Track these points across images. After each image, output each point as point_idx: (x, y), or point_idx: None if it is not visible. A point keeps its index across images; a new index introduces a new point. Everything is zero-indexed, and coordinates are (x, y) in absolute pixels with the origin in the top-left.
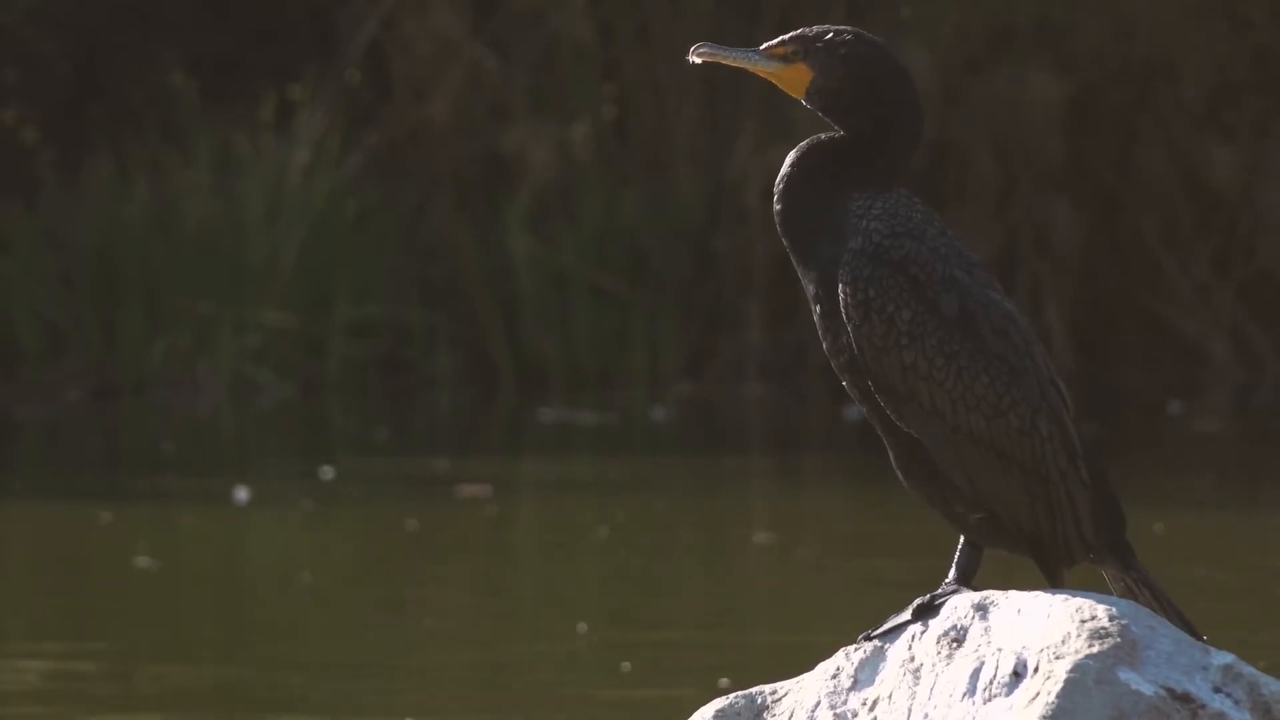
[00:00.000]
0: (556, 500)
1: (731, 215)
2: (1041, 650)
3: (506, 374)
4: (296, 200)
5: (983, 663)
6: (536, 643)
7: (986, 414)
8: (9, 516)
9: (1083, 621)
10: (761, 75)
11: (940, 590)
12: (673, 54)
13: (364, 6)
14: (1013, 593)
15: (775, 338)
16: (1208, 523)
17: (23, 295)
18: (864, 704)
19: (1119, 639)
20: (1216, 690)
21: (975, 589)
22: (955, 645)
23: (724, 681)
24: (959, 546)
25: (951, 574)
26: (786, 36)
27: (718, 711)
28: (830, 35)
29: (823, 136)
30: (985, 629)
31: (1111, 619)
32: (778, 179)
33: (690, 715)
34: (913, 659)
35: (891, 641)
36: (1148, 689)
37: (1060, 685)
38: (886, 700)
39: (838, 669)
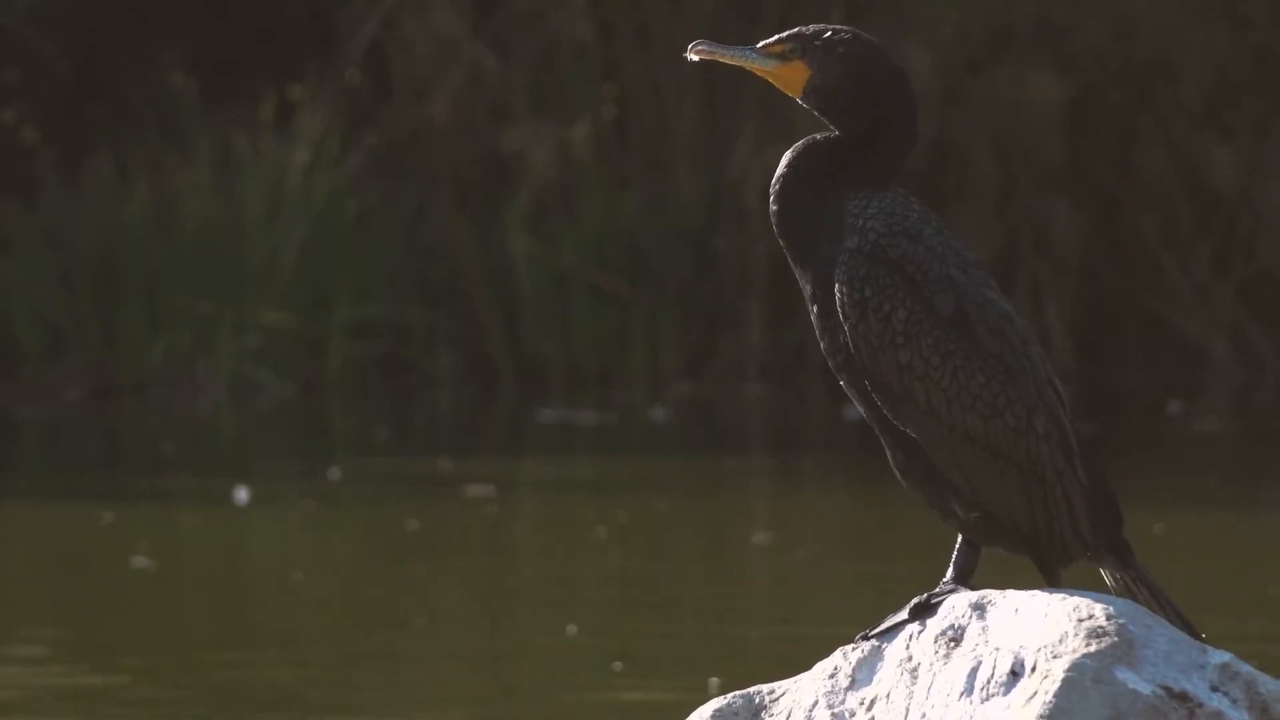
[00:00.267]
0: (556, 500)
1: (731, 215)
2: (1039, 649)
3: (506, 374)
4: (296, 200)
5: (980, 662)
6: (530, 642)
7: (982, 413)
8: (9, 516)
9: (1080, 621)
10: (759, 73)
11: (938, 589)
12: (673, 54)
13: (364, 6)
14: (1010, 592)
15: (775, 338)
16: (1208, 523)
17: (23, 295)
18: (862, 703)
19: (1116, 638)
20: (1214, 689)
21: (973, 588)
22: (953, 644)
23: (714, 681)
24: (956, 545)
25: (949, 573)
26: (784, 35)
27: (716, 711)
28: (828, 34)
29: (819, 136)
30: (983, 628)
31: (1109, 618)
32: (774, 179)
33: (682, 714)
34: (910, 658)
35: (889, 641)
36: (1145, 688)
37: (1058, 684)
38: (884, 700)
39: (835, 668)
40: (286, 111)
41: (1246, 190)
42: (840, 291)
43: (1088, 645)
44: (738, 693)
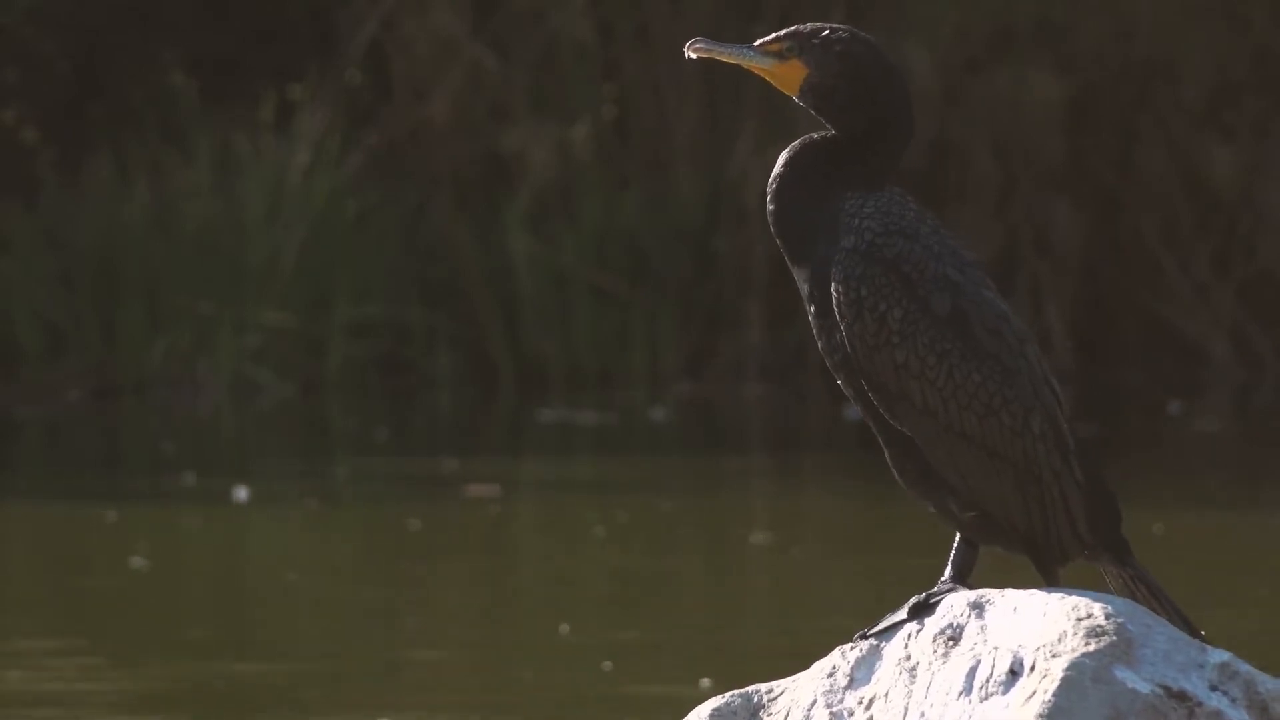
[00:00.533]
0: (556, 500)
1: (731, 215)
2: (1038, 649)
3: (506, 374)
4: (296, 200)
5: (979, 661)
6: (523, 642)
7: (978, 413)
8: (9, 516)
9: (1079, 620)
10: (756, 71)
11: (936, 589)
12: (673, 54)
13: (364, 6)
14: (1009, 591)
15: (775, 338)
16: (1207, 523)
17: (23, 295)
18: (860, 703)
19: (1115, 637)
20: (1213, 688)
21: (971, 587)
22: (951, 644)
23: (705, 682)
24: (955, 545)
25: (947, 572)
26: (781, 33)
27: (714, 710)
28: (825, 32)
29: (815, 136)
30: (981, 627)
31: (1108, 617)
32: (770, 179)
33: (673, 714)
34: (909, 658)
35: (887, 640)
36: (1144, 687)
37: (1057, 684)
38: (883, 699)
39: (834, 668)
40: (286, 111)
41: (1246, 190)
42: (836, 291)
43: (1087, 644)
44: (736, 692)
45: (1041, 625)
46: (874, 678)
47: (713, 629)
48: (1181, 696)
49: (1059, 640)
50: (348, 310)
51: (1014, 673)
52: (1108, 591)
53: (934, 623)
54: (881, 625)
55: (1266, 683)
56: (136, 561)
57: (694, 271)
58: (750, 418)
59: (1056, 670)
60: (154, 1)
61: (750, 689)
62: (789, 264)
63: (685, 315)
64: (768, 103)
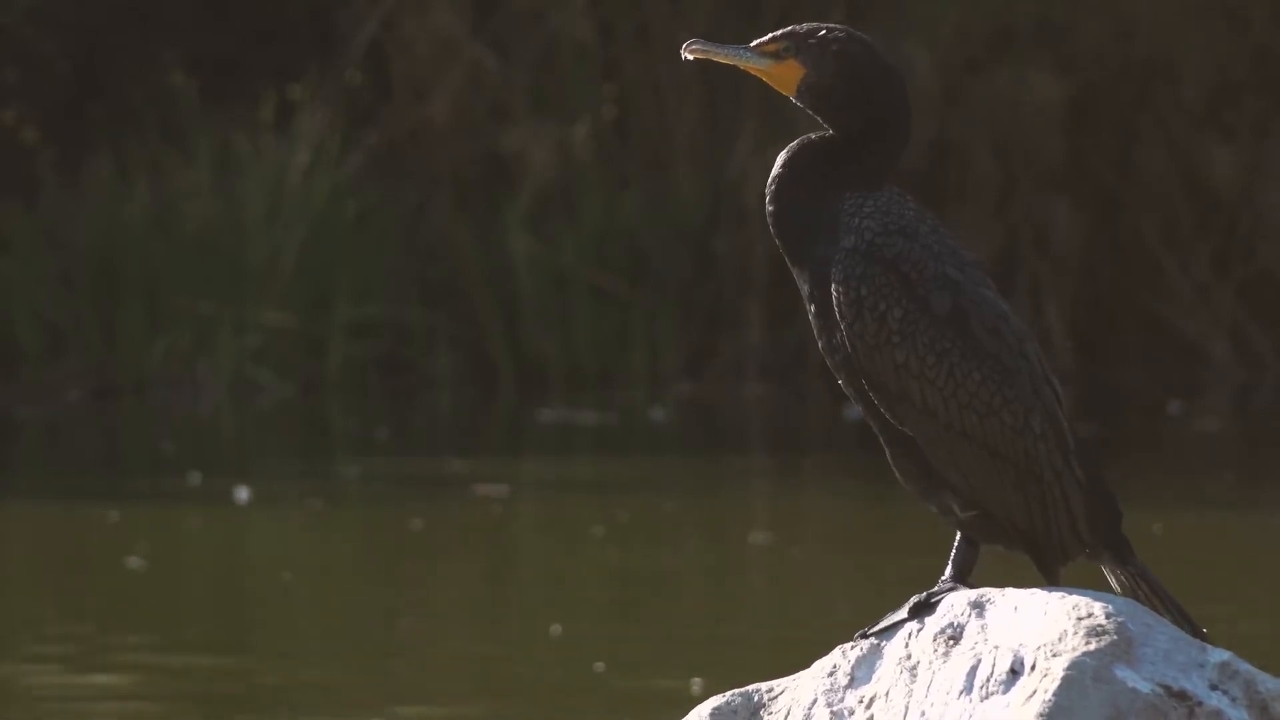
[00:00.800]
0: (556, 500)
1: (731, 215)
2: (1038, 648)
3: (506, 374)
4: (296, 200)
5: (979, 660)
6: (519, 641)
7: (979, 412)
8: (9, 516)
9: (1079, 619)
10: (753, 72)
11: (937, 588)
12: (673, 54)
13: (364, 6)
14: (1009, 590)
15: (775, 338)
16: (1208, 523)
17: (23, 295)
18: (861, 702)
19: (1116, 636)
20: (1213, 688)
21: (972, 586)
22: (952, 643)
23: (697, 681)
24: (955, 544)
25: (948, 571)
26: (778, 33)
27: (714, 709)
28: (822, 32)
29: (813, 136)
30: (982, 626)
31: (1108, 616)
32: (769, 180)
33: (667, 714)
34: (909, 657)
35: (888, 639)
36: (1145, 686)
37: (1057, 683)
38: (883, 698)
39: (834, 667)
40: (286, 111)
41: (1246, 190)
42: (836, 291)
43: (1087, 644)
44: (736, 691)
45: (1042, 624)
46: (875, 677)
47: (711, 629)
48: (1182, 696)
49: (1059, 639)
50: (348, 310)
51: (1014, 672)
52: (1109, 591)
53: (935, 622)
54: (882, 624)
55: (1267, 682)
56: (135, 562)
57: (694, 271)
58: (750, 418)
59: (1057, 669)
60: (154, 1)
61: (751, 688)
62: (789, 264)
63: (685, 315)
64: (767, 103)
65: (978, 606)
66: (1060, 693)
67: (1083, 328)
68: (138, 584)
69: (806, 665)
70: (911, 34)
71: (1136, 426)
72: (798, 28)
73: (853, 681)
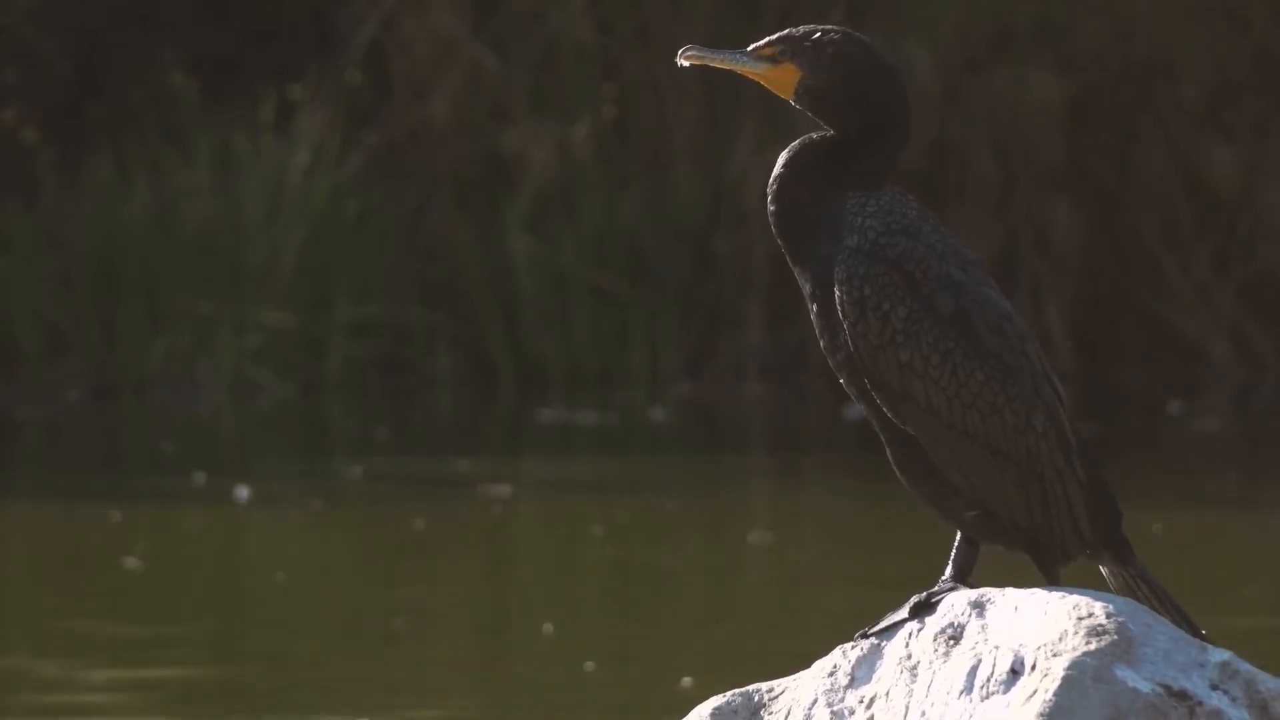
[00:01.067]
0: (556, 501)
1: (731, 215)
2: (1039, 648)
3: (506, 374)
4: (296, 200)
5: (980, 660)
6: (515, 641)
7: (982, 411)
8: (9, 516)
9: (1080, 619)
10: (750, 76)
11: (937, 588)
12: (672, 54)
13: (364, 6)
14: (1010, 590)
15: (775, 338)
16: (1207, 523)
17: (23, 295)
18: (861, 702)
19: (1116, 636)
20: (1213, 687)
21: (972, 586)
22: (952, 643)
23: (687, 681)
24: (956, 544)
25: (948, 571)
26: (774, 37)
27: (715, 709)
28: (817, 35)
29: (814, 136)
30: (982, 626)
31: (1109, 616)
32: (770, 180)
33: (662, 713)
34: (910, 657)
35: (888, 639)
36: (1145, 686)
37: (1058, 683)
38: (884, 698)
39: (835, 666)
40: (286, 111)
41: (1246, 190)
42: (840, 290)
43: (1087, 643)
44: (736, 691)
45: (1042, 624)
46: (875, 677)
47: (710, 629)
48: (1182, 696)
49: (1060, 639)
50: (348, 310)
51: (1015, 672)
52: (1109, 591)
53: (935, 622)
54: (883, 624)
55: (1267, 682)
56: (135, 562)
57: (694, 271)
58: (750, 418)
59: (1057, 669)
60: (154, 1)
61: (751, 688)
62: (791, 264)
63: (685, 315)
64: (767, 103)
65: (978, 606)
66: (1061, 692)
67: (1083, 328)
68: (137, 584)
69: (806, 665)
70: (911, 34)
71: (1136, 426)
72: (793, 31)
73: (853, 681)
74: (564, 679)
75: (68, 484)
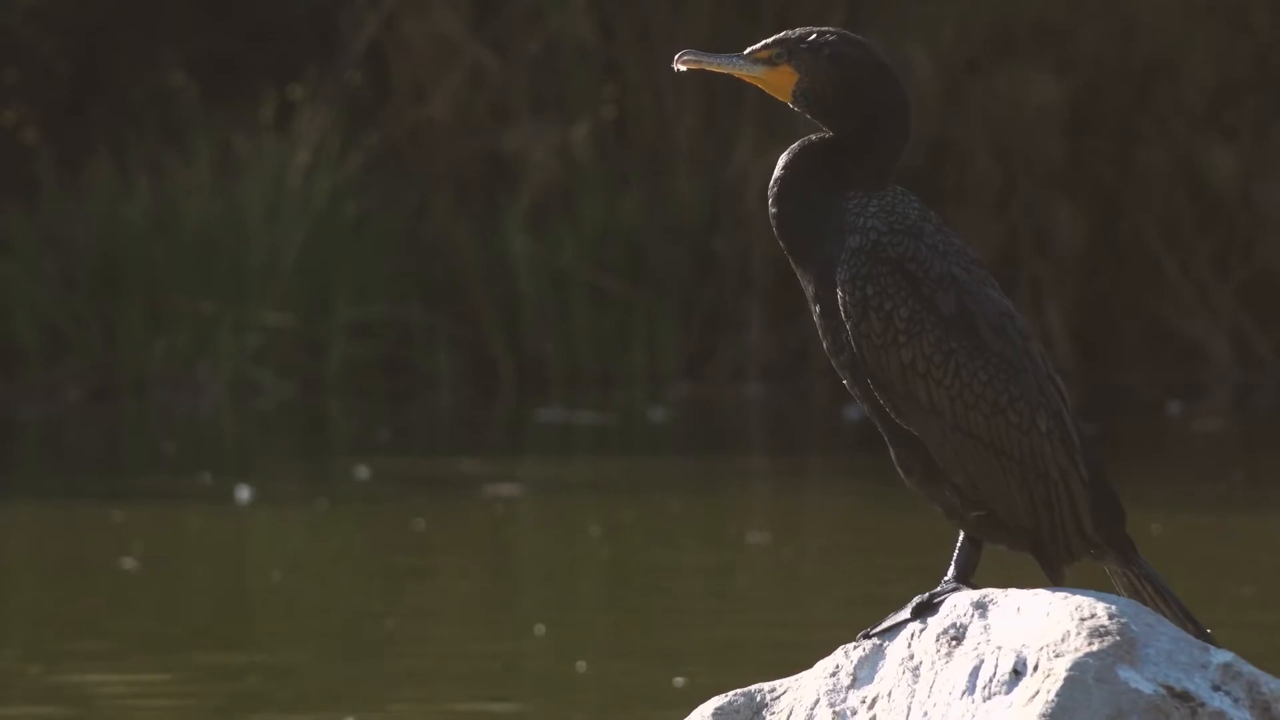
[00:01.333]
0: (556, 501)
1: (731, 216)
2: (1041, 648)
3: (506, 374)
4: (296, 200)
5: (982, 661)
6: (509, 641)
7: (985, 411)
8: (9, 516)
9: (1082, 620)
10: (747, 79)
11: (939, 588)
12: (673, 54)
13: (364, 6)
14: (1012, 591)
15: (775, 338)
16: (1207, 522)
17: (23, 295)
18: (863, 702)
19: (1118, 637)
20: (1216, 688)
21: (974, 587)
22: (955, 643)
23: (679, 680)
24: (958, 544)
25: (951, 572)
26: (770, 40)
27: (717, 709)
28: (813, 36)
29: (814, 137)
30: (984, 627)
31: (1111, 617)
32: (771, 181)
33: (659, 715)
34: (912, 657)
35: (891, 639)
36: (1147, 687)
37: (1060, 683)
38: (886, 698)
39: (837, 666)
40: (286, 111)
41: (1246, 190)
42: (842, 290)
43: (1090, 644)
44: (738, 691)
45: (1045, 625)
46: (877, 677)
47: (707, 628)
48: (1184, 697)
49: (1062, 640)
50: (348, 310)
51: (1017, 672)
52: (1112, 591)
53: (937, 622)
54: (885, 624)
55: (1269, 683)
56: (135, 562)
57: (694, 271)
58: (750, 418)
59: (1060, 670)
60: (154, 1)
61: (753, 688)
62: (793, 265)
63: (685, 315)
64: (767, 103)
65: (980, 607)
66: (1063, 693)
67: (1083, 328)
68: (137, 584)
69: (806, 665)
70: (911, 34)
71: (1136, 426)
72: (790, 33)
73: (855, 681)
74: (557, 678)
75: (68, 484)
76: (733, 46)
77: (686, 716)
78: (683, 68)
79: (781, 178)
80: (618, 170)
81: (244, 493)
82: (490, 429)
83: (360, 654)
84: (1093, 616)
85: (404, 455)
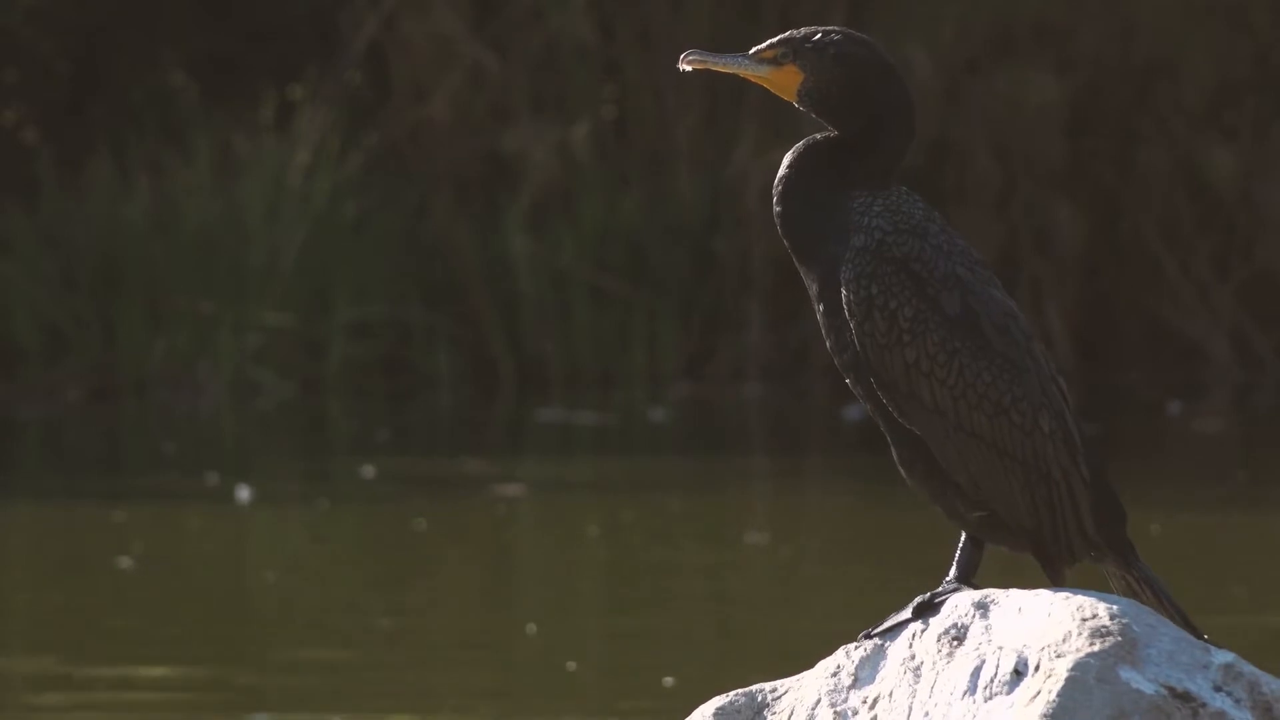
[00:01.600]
0: (556, 501)
1: (731, 215)
2: (1042, 648)
3: (506, 374)
4: (296, 200)
5: (983, 661)
6: (507, 640)
7: (988, 412)
8: (9, 516)
9: (1084, 620)
10: (752, 79)
11: (941, 588)
12: (673, 55)
13: (364, 6)
14: (1013, 591)
15: (775, 338)
16: (1206, 523)
17: (23, 295)
18: (864, 702)
19: (1120, 637)
20: (1217, 689)
21: (976, 587)
22: (956, 643)
23: (669, 681)
24: (960, 544)
25: (952, 572)
26: (775, 39)
27: (718, 709)
28: (818, 36)
29: (818, 136)
30: (986, 627)
31: (1112, 617)
32: (776, 180)
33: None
34: (913, 657)
35: (892, 640)
36: (1149, 687)
37: (1061, 684)
38: (887, 698)
39: (838, 667)
40: (286, 111)
41: (1246, 190)
42: (846, 290)
43: (1091, 644)
44: (739, 691)
45: (1046, 625)
46: (878, 677)
47: (704, 629)
48: (1186, 697)
49: (1063, 640)
50: (348, 310)
51: (1018, 673)
52: (1112, 593)
53: (939, 622)
54: (886, 624)
55: (1271, 683)
56: (134, 562)
57: (694, 271)
58: (750, 418)
59: (1061, 670)
60: (154, 1)
61: (754, 688)
62: (797, 264)
63: (685, 315)
64: (767, 103)
65: (982, 607)
66: (1064, 693)
67: (1083, 328)
68: (137, 584)
69: (807, 665)
70: (911, 34)
71: (1136, 426)
72: (795, 32)
73: (856, 682)
74: (549, 678)
75: (68, 484)
76: (733, 46)
77: (686, 717)
78: (688, 67)
79: (786, 176)
80: (618, 170)
81: (244, 493)
82: (490, 429)
83: (359, 655)
84: (1094, 617)
85: (404, 455)
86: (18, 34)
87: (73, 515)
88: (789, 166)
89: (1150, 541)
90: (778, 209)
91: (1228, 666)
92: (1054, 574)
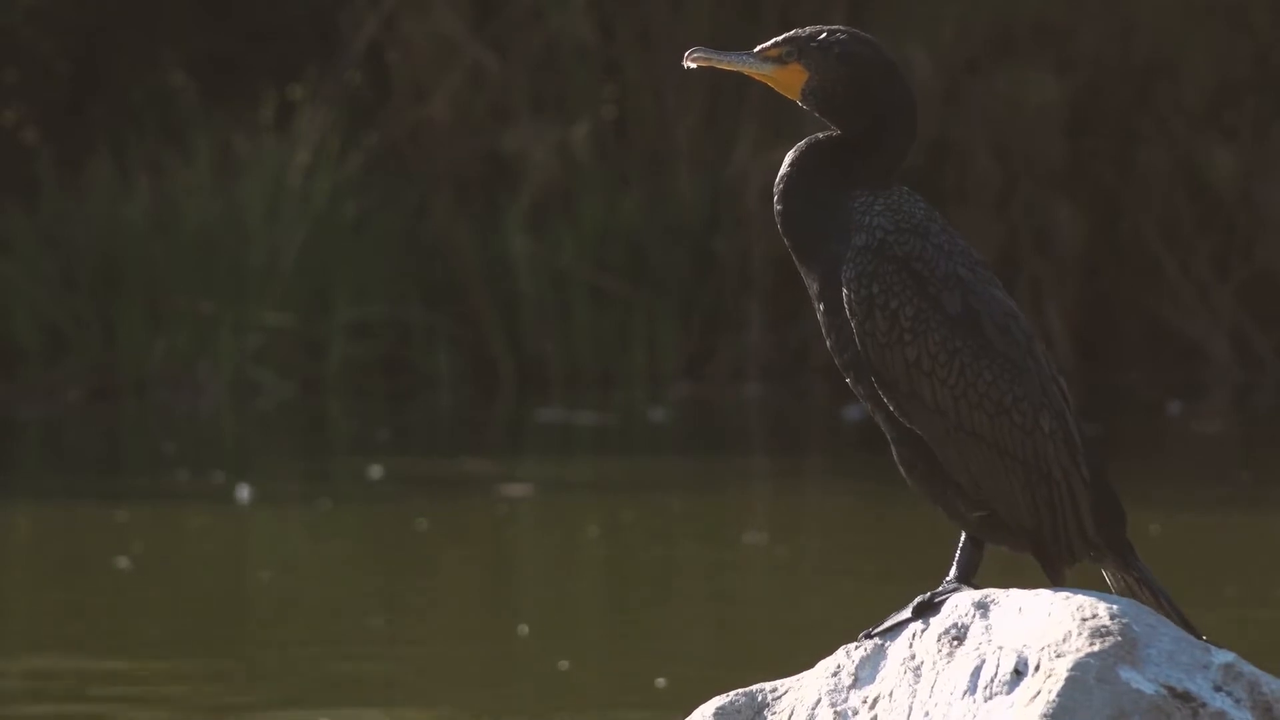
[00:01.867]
0: (556, 501)
1: (731, 215)
2: (1042, 648)
3: (506, 374)
4: (296, 200)
5: (983, 661)
6: (485, 642)
7: (989, 411)
8: (9, 516)
9: (1084, 620)
10: (757, 78)
11: (941, 588)
12: (673, 54)
13: (364, 6)
14: (1014, 591)
15: (775, 338)
16: (1206, 523)
17: (23, 295)
18: (864, 702)
19: (1120, 637)
20: (1217, 689)
21: (976, 587)
22: (956, 643)
23: (660, 682)
24: (960, 544)
25: (952, 572)
26: (780, 38)
27: (718, 709)
28: (823, 35)
29: (820, 136)
30: (986, 627)
31: (1113, 617)
32: (777, 179)
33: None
34: (913, 657)
35: (892, 639)
36: (1149, 687)
37: (1061, 683)
38: (887, 698)
39: (838, 666)
40: (286, 111)
41: (1246, 190)
42: (847, 289)
43: (1091, 644)
44: (740, 690)
45: (1046, 625)
46: (878, 677)
47: (702, 629)
48: (1186, 697)
49: (1064, 640)
50: (348, 310)
51: (1018, 672)
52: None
53: (939, 622)
54: (886, 624)
55: (1271, 683)
56: (135, 562)
57: (694, 271)
58: (750, 418)
59: (1061, 670)
60: (154, 1)
61: (755, 688)
62: (797, 263)
63: (685, 315)
64: (768, 103)
65: (982, 607)
66: (1064, 693)
67: (1083, 328)
68: (137, 584)
69: (807, 665)
70: (912, 34)
71: (1136, 426)
72: (799, 31)
73: (856, 681)
74: (542, 678)
75: (68, 484)
76: (734, 46)
77: (687, 717)
78: (693, 65)
79: (788, 175)
80: (618, 170)
81: (244, 493)
82: (490, 429)
83: (359, 653)
84: (1094, 617)
85: (404, 455)
86: (18, 34)
87: (73, 515)
88: (791, 165)
89: (1150, 541)
90: (779, 207)
91: (1228, 666)
92: (1054, 574)
